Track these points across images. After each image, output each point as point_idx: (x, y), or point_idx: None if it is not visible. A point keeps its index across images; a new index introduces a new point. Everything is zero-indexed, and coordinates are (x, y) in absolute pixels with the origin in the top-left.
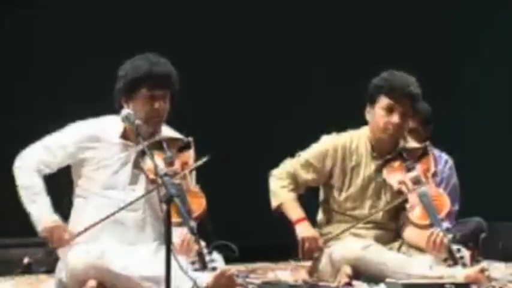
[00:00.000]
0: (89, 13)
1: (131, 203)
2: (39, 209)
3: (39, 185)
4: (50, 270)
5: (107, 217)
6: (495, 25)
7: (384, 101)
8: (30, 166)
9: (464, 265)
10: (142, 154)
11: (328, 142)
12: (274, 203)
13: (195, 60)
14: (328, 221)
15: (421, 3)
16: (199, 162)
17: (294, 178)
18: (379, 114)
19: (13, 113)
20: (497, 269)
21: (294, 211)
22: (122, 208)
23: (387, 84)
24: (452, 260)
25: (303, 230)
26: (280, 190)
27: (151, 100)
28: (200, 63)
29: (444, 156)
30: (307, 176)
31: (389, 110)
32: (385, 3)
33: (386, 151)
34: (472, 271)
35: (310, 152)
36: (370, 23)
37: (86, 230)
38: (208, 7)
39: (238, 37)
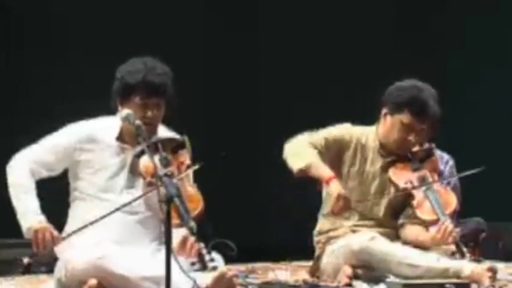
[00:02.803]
0: (91, 11)
1: (126, 205)
2: (25, 209)
3: (29, 184)
4: (50, 270)
5: (96, 220)
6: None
7: (407, 118)
8: (23, 166)
9: (471, 258)
10: (140, 155)
11: (346, 129)
12: (299, 163)
13: (195, 60)
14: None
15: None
16: (195, 167)
17: (314, 146)
18: (398, 127)
19: (13, 113)
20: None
21: (325, 169)
22: (116, 210)
23: (417, 104)
24: (459, 253)
25: (339, 187)
26: (305, 150)
27: (144, 108)
28: (200, 62)
29: (446, 156)
30: (323, 150)
31: (410, 128)
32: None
33: (394, 150)
34: (479, 267)
35: (329, 132)
36: (375, 23)
37: (73, 232)
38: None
39: (239, 37)
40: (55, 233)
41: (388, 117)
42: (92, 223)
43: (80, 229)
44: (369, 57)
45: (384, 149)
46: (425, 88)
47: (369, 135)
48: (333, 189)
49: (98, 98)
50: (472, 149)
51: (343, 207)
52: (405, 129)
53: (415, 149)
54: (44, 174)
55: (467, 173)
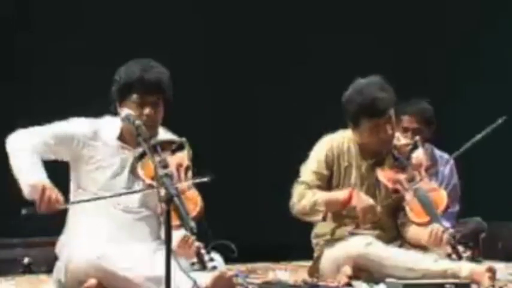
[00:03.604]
0: (91, 11)
1: (117, 195)
2: (30, 166)
3: (33, 149)
4: (50, 270)
5: (99, 198)
6: (494, 25)
7: (369, 123)
8: (25, 135)
9: (468, 258)
10: (142, 156)
11: (324, 146)
12: (317, 217)
13: (196, 61)
14: (325, 221)
15: (418, 14)
16: (202, 179)
17: (311, 188)
18: (368, 133)
19: (12, 111)
20: (497, 269)
21: (336, 195)
22: (121, 194)
23: (366, 106)
24: (456, 254)
25: (359, 201)
26: (310, 200)
27: (142, 106)
28: (200, 63)
29: (446, 156)
30: (318, 182)
31: (379, 127)
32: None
33: (379, 150)
34: (478, 267)
35: (313, 162)
36: (370, 38)
37: (77, 202)
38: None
39: (240, 50)
40: (60, 196)
41: (356, 130)
42: (94, 200)
43: (79, 201)
44: (369, 55)
45: (366, 151)
46: (365, 85)
47: (350, 139)
48: (355, 205)
49: (97, 98)
50: (472, 149)
51: (372, 217)
52: (375, 131)
53: (400, 143)
54: (43, 153)
55: (489, 128)
